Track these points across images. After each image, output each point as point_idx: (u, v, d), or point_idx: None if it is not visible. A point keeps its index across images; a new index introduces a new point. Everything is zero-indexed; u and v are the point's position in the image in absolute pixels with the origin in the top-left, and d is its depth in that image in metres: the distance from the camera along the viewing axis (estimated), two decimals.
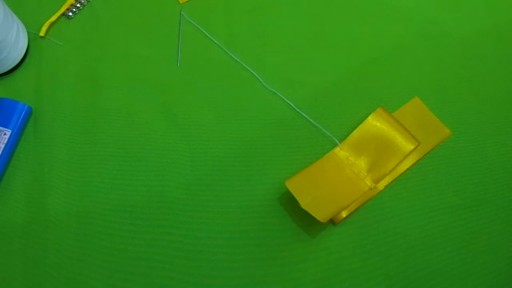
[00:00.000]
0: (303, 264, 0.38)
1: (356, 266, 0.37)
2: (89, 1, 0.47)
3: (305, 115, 0.41)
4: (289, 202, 0.39)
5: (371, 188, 0.38)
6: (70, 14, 0.46)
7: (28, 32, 0.44)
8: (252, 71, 0.44)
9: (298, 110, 0.42)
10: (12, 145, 0.41)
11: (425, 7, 0.46)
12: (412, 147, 0.37)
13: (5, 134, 0.40)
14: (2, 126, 0.41)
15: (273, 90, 0.43)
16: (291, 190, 0.37)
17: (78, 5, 0.46)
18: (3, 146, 0.40)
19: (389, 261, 0.38)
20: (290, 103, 0.42)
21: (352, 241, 0.38)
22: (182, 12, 0.46)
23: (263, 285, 0.38)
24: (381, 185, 0.39)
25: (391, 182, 0.39)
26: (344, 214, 0.38)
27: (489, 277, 0.37)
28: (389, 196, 0.39)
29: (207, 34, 0.45)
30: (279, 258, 0.38)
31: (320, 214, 0.36)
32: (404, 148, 0.37)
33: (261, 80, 0.43)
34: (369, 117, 0.39)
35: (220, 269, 0.38)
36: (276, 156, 0.41)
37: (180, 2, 0.46)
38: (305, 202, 0.36)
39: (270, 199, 0.40)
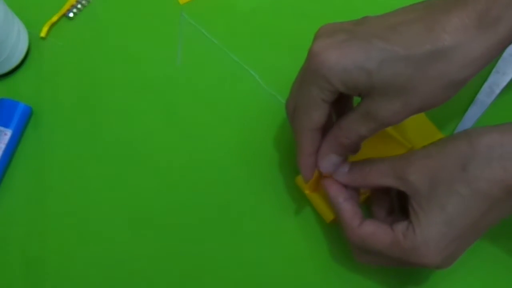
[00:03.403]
0: (304, 263, 0.38)
1: (356, 265, 0.37)
2: (89, 2, 0.47)
3: None
4: (290, 203, 0.40)
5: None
6: (71, 14, 0.46)
7: (28, 32, 0.45)
8: (252, 72, 0.44)
9: None
10: (12, 145, 0.41)
11: None
12: (404, 151, 0.37)
13: (5, 134, 0.41)
14: (3, 127, 0.41)
15: (272, 92, 0.43)
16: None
17: (79, 5, 0.46)
18: (3, 146, 0.40)
19: None
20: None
21: None
22: (182, 13, 0.46)
23: (263, 285, 0.38)
24: None
25: None
26: None
27: (487, 272, 0.37)
28: None
29: (207, 35, 0.45)
30: (280, 258, 0.38)
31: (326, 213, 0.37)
32: (397, 151, 0.37)
33: (260, 82, 0.43)
34: None
35: (220, 269, 0.38)
36: (277, 157, 0.41)
37: (181, 3, 0.46)
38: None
39: (270, 199, 0.40)
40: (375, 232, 0.31)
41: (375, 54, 0.27)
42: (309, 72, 0.30)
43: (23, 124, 0.42)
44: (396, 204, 0.35)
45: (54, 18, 0.46)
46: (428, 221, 0.29)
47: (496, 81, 0.41)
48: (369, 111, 0.29)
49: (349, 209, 0.33)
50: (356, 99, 0.32)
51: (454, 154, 0.29)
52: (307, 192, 0.38)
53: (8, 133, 0.41)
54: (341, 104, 0.34)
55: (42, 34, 0.45)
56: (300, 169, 0.34)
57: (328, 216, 0.37)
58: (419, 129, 0.39)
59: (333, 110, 0.34)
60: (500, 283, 0.37)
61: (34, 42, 0.45)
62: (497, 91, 0.41)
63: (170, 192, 0.40)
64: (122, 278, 0.38)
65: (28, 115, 0.42)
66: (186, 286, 0.38)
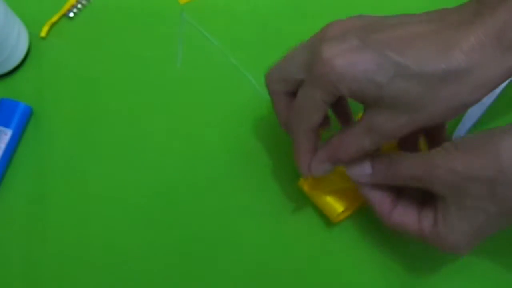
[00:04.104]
0: (305, 264, 0.38)
1: (355, 265, 0.37)
2: (89, 2, 0.47)
3: None
4: (288, 203, 0.40)
5: None
6: (71, 14, 0.46)
7: (28, 32, 0.45)
8: (249, 76, 0.44)
9: None
10: (13, 145, 0.41)
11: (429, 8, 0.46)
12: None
13: (5, 134, 0.41)
14: (3, 126, 0.41)
15: (267, 96, 0.43)
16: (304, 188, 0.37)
17: (79, 5, 0.46)
18: (3, 146, 0.40)
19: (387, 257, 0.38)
20: None
21: (355, 242, 0.39)
22: (182, 13, 0.46)
23: (263, 285, 0.38)
24: None
25: None
26: (342, 216, 0.38)
27: (487, 271, 0.37)
28: None
29: (207, 35, 0.45)
30: (280, 258, 0.39)
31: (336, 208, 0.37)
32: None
33: (256, 86, 0.43)
34: None
35: (219, 269, 0.38)
36: (275, 158, 0.41)
37: (181, 3, 0.46)
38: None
39: (270, 200, 0.40)
40: (403, 223, 0.32)
41: (388, 67, 0.26)
42: (316, 76, 0.29)
43: (23, 124, 0.42)
44: None
45: (54, 18, 0.46)
46: (454, 228, 0.29)
47: None
48: (373, 125, 0.29)
49: (377, 197, 0.33)
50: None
51: (481, 171, 0.28)
52: (306, 189, 0.37)
53: (8, 133, 0.41)
54: (338, 103, 0.34)
55: (42, 34, 0.45)
56: (298, 166, 0.34)
57: (334, 215, 0.37)
58: None
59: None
60: (501, 285, 0.37)
61: (34, 42, 0.45)
62: (497, 91, 0.41)
63: (170, 192, 0.41)
64: (122, 278, 0.38)
65: (28, 115, 0.42)
66: (186, 285, 0.38)
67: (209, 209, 0.40)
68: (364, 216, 0.38)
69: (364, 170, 0.33)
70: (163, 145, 0.42)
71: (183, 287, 0.38)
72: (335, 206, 0.37)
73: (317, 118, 0.31)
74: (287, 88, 0.33)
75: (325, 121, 0.34)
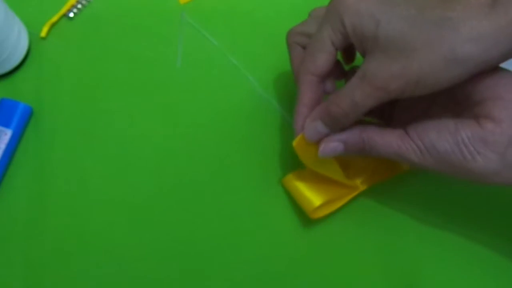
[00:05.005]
0: (304, 261, 0.38)
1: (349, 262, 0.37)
2: (89, 2, 0.47)
3: None
4: (285, 201, 0.40)
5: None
6: (71, 14, 0.46)
7: (28, 32, 0.45)
8: (250, 77, 0.44)
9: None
10: (13, 145, 0.41)
11: None
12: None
13: (5, 134, 0.41)
14: (3, 126, 0.41)
15: (267, 96, 0.43)
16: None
17: (79, 5, 0.46)
18: (3, 146, 0.40)
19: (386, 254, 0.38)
20: (282, 111, 0.42)
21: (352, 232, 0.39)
22: (182, 13, 0.46)
23: (261, 284, 0.38)
24: (365, 184, 0.38)
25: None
26: (326, 210, 0.38)
27: (489, 265, 0.37)
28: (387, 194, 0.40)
29: (207, 35, 0.45)
30: (277, 255, 0.39)
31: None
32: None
33: (257, 86, 0.43)
34: None
35: (219, 268, 0.38)
36: (277, 158, 0.41)
37: (181, 3, 0.46)
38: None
39: (269, 198, 0.40)
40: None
41: (389, 7, 0.28)
42: (328, 10, 0.31)
43: (23, 124, 0.42)
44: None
45: (54, 18, 0.46)
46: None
47: None
48: (367, 72, 0.29)
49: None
50: None
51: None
52: (294, 144, 0.35)
53: (8, 133, 0.41)
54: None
55: (42, 34, 0.45)
56: (294, 118, 0.34)
57: (310, 209, 0.37)
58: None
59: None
60: (499, 283, 0.37)
61: (34, 42, 0.45)
62: None
63: (169, 191, 0.41)
64: (122, 278, 0.38)
65: (28, 115, 0.42)
66: (186, 285, 0.38)
67: (208, 209, 0.40)
68: (351, 213, 0.39)
69: (337, 148, 0.33)
70: (162, 145, 0.42)
71: (182, 286, 0.38)
72: (313, 200, 0.37)
73: (321, 61, 0.32)
74: (305, 42, 0.35)
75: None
